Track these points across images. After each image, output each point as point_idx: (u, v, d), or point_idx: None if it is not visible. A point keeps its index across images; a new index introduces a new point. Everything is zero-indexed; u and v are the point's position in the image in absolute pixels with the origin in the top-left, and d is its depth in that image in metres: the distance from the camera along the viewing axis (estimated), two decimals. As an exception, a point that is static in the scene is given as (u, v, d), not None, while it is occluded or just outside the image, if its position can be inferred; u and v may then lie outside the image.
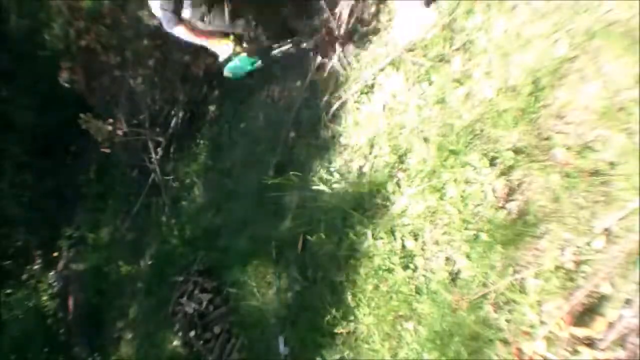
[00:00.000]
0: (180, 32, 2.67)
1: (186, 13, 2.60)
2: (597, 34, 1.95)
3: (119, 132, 3.94)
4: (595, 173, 1.86)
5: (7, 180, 4.53)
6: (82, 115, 3.79)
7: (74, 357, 4.37)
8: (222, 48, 2.65)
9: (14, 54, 4.35)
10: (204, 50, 3.20)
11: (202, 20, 2.69)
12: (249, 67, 2.67)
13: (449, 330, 2.08)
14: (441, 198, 2.26)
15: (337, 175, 2.75)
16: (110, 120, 3.93)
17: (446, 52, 2.46)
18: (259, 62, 2.65)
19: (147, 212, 4.11)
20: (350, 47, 2.88)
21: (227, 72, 2.68)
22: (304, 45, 2.91)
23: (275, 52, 2.69)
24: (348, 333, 2.45)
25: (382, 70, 2.73)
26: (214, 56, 2.95)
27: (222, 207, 3.44)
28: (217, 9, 2.73)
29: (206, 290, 3.24)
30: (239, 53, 2.60)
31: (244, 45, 2.66)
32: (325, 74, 2.97)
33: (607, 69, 1.91)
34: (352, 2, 2.80)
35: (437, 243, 2.24)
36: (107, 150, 4.02)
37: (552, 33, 2.10)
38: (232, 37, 2.64)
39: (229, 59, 2.62)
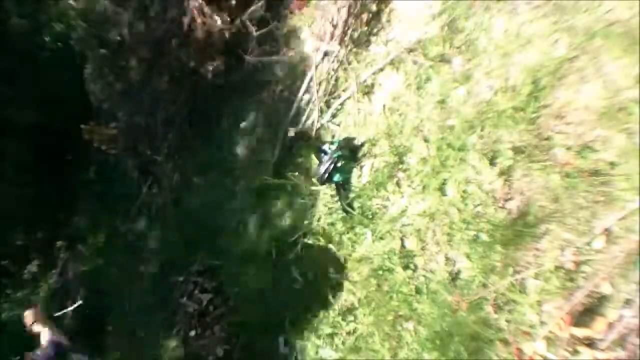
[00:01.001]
0: None
1: None
2: (597, 34, 1.95)
3: (120, 140, 3.95)
4: (595, 173, 1.86)
5: (7, 180, 4.53)
6: (83, 126, 3.80)
7: (74, 357, 4.37)
8: None
9: (14, 54, 4.35)
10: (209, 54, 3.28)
11: None
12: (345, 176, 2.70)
13: (449, 330, 2.08)
14: (441, 198, 2.26)
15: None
16: (113, 124, 3.93)
17: (446, 52, 2.46)
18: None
19: (147, 212, 4.10)
20: (350, 47, 2.88)
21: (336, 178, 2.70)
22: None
23: None
24: (348, 333, 2.45)
25: (382, 70, 2.73)
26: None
27: (222, 207, 3.44)
28: None
29: (206, 290, 3.24)
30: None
31: None
32: (325, 74, 2.96)
33: (607, 69, 1.92)
34: (351, 1, 2.79)
35: (437, 243, 2.23)
36: (113, 151, 4.03)
37: (552, 33, 2.10)
38: None
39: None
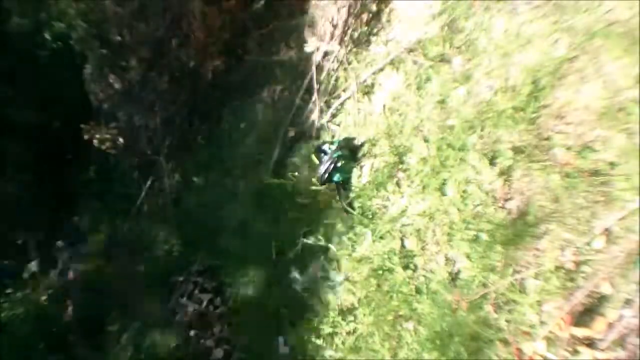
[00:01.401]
0: None
1: None
2: (597, 34, 1.95)
3: (120, 140, 3.95)
4: (595, 173, 1.86)
5: (7, 180, 4.54)
6: (83, 126, 3.81)
7: (74, 357, 4.36)
8: None
9: (14, 54, 4.35)
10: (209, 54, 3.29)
11: None
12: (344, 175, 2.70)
13: (449, 330, 2.08)
14: (441, 198, 2.26)
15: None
16: (113, 124, 3.94)
17: (446, 52, 2.46)
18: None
19: (147, 212, 4.11)
20: (350, 47, 2.88)
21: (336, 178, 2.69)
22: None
23: None
24: (348, 333, 2.45)
25: (382, 70, 2.73)
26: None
27: (222, 207, 3.44)
28: None
29: (206, 290, 3.23)
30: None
31: None
32: (325, 74, 2.97)
33: (607, 69, 1.92)
34: (351, 1, 2.79)
35: (437, 243, 2.23)
36: (113, 151, 4.04)
37: (552, 33, 2.10)
38: None
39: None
